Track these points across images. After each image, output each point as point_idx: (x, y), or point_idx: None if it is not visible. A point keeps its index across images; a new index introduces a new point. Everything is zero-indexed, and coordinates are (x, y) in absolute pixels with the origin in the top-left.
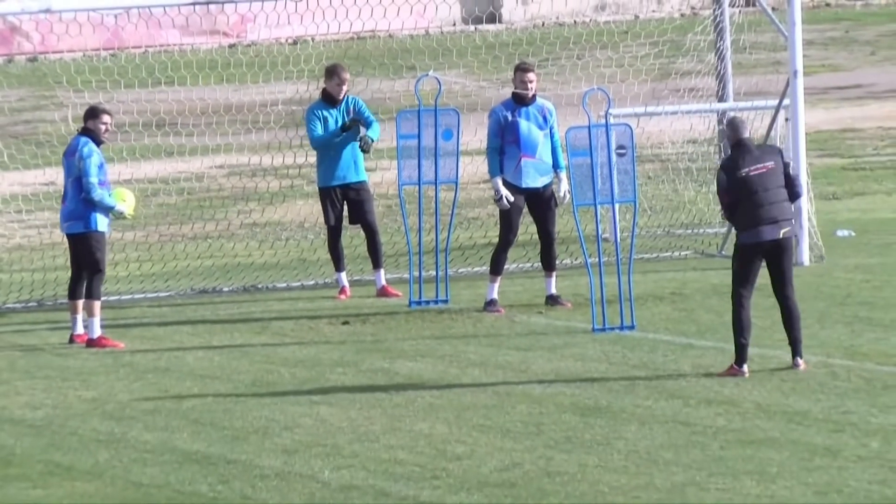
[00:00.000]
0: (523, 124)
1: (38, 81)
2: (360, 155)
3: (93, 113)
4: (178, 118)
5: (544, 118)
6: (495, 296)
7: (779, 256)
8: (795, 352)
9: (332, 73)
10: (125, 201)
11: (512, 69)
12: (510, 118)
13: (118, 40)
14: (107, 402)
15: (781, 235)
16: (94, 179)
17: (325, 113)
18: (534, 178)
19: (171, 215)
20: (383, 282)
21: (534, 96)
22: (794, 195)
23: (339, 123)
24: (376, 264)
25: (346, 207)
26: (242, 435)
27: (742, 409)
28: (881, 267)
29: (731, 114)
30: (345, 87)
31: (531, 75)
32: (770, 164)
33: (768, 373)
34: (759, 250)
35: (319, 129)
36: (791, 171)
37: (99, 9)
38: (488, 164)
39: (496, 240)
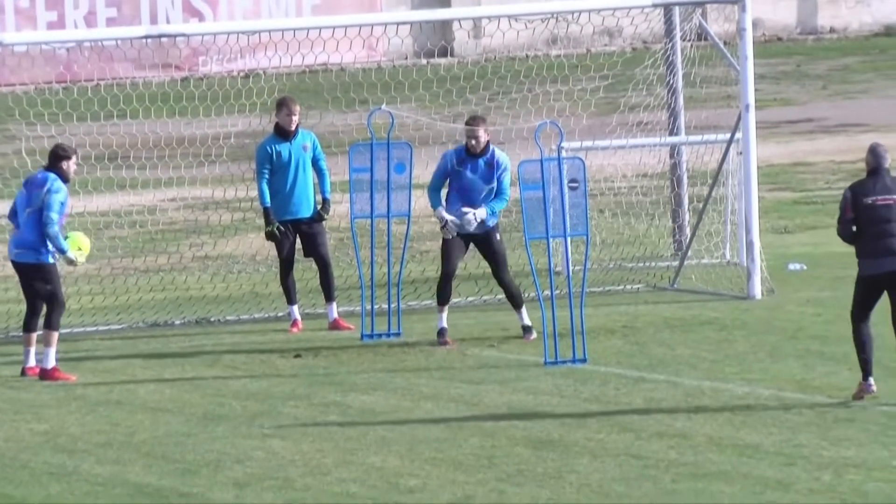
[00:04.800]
0: (468, 176)
1: None
2: (312, 190)
3: (64, 154)
4: (130, 151)
5: (491, 172)
6: (444, 324)
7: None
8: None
9: (281, 105)
10: (80, 250)
11: (463, 102)
12: (457, 167)
13: (70, 73)
14: (59, 435)
15: None
16: (54, 215)
17: (278, 147)
18: (473, 226)
19: (123, 248)
20: (335, 315)
21: (487, 146)
22: None
23: (292, 157)
24: (328, 297)
25: (298, 241)
26: (194, 468)
27: (694, 442)
28: (833, 300)
29: (874, 142)
30: (295, 118)
31: (479, 131)
32: None
33: (720, 406)
34: (879, 280)
35: (267, 195)
36: None
37: (51, 42)
38: (429, 199)
39: None
